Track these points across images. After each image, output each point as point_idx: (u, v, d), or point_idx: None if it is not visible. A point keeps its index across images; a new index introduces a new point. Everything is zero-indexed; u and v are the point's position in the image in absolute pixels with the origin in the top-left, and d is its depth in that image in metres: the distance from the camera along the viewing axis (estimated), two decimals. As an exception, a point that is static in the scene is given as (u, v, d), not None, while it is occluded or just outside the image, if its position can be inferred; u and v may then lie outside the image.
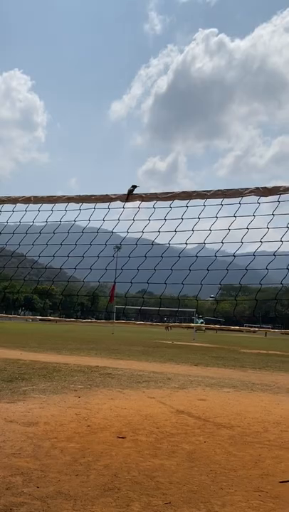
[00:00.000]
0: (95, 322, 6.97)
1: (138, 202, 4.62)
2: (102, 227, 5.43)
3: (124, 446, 4.43)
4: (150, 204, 4.61)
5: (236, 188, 4.29)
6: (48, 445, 4.34)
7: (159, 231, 4.96)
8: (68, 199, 4.78)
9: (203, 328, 58.35)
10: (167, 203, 4.49)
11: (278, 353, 21.40)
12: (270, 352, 21.57)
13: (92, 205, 4.87)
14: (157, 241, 5.27)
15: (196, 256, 5.05)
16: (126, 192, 4.61)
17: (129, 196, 4.57)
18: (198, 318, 59.89)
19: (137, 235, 5.21)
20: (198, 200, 4.34)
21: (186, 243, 4.50)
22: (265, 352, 21.32)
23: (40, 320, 69.26)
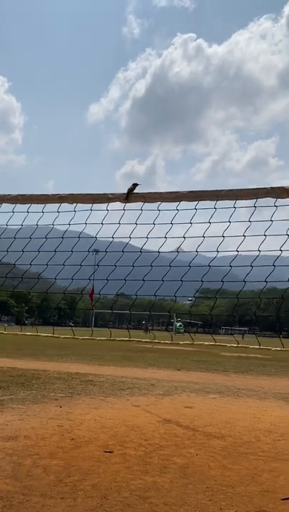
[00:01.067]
0: (91, 336, 6.67)
1: (140, 203, 4.24)
2: (84, 232, 5.14)
3: (112, 462, 4.12)
4: (148, 206, 4.26)
5: (250, 187, 3.96)
6: (29, 463, 3.99)
7: (147, 237, 4.70)
8: (61, 199, 4.38)
9: (182, 331, 58.38)
10: (167, 205, 4.15)
11: (258, 356, 21.38)
12: (250, 355, 21.52)
13: (71, 206, 4.53)
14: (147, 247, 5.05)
15: (190, 266, 4.78)
16: (125, 191, 4.23)
17: (129, 196, 4.20)
18: (177, 321, 59.93)
19: (125, 240, 4.96)
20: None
21: (196, 251, 4.21)
22: (245, 355, 21.26)
23: (17, 325, 67.94)
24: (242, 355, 21.45)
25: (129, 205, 4.54)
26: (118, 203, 4.18)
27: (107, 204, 4.27)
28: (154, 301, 5.17)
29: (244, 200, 3.84)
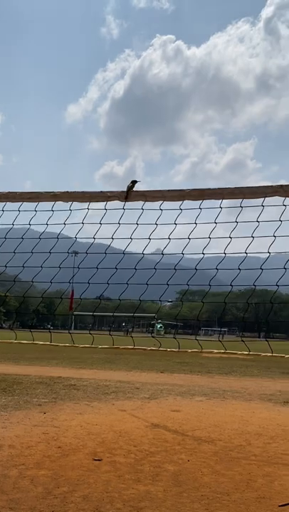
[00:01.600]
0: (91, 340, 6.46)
1: (140, 202, 4.04)
2: (62, 233, 4.97)
3: (102, 471, 3.96)
4: (148, 205, 4.05)
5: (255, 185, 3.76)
6: (15, 474, 3.80)
7: (131, 238, 4.55)
8: (54, 197, 4.13)
9: (162, 333, 58.39)
10: (154, 204, 3.98)
11: (239, 356, 21.43)
12: (231, 356, 21.56)
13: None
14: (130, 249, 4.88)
15: (175, 269, 4.66)
16: (125, 189, 4.01)
17: (129, 194, 4.00)
18: (158, 322, 59.90)
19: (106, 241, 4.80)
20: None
21: (182, 253, 4.08)
22: (226, 356, 21.28)
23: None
24: (224, 356, 21.44)
25: (111, 204, 4.36)
26: (116, 201, 3.98)
27: (105, 203, 4.06)
28: (139, 303, 5.03)
29: (250, 199, 3.69)
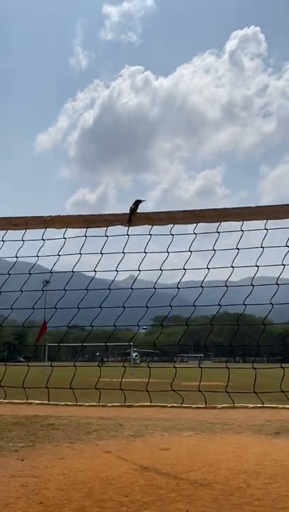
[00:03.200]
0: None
1: (147, 226, 3.54)
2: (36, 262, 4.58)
3: (92, 531, 3.49)
4: (146, 229, 3.62)
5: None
6: None
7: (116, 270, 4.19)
8: (45, 222, 3.62)
9: (138, 362, 57.41)
10: (164, 228, 3.54)
11: (220, 383, 21.02)
12: (212, 383, 21.13)
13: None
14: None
15: (171, 306, 4.33)
16: (128, 211, 3.54)
17: (133, 217, 3.58)
18: (133, 351, 58.85)
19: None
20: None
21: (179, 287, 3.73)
22: (207, 383, 20.84)
23: None
24: (205, 383, 20.99)
25: (92, 231, 4.00)
26: (119, 226, 3.55)
27: (105, 229, 3.61)
28: (113, 331, 4.65)
29: (269, 221, 3.35)
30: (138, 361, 57.76)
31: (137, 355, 59.49)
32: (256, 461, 5.71)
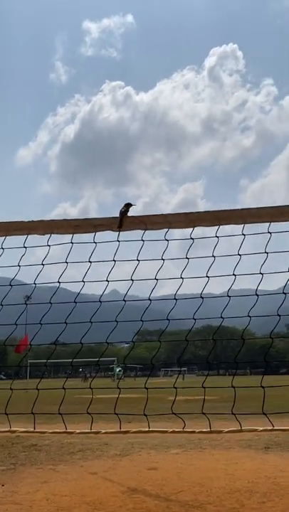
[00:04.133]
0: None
1: (139, 231, 3.32)
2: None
3: None
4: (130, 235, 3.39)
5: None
6: None
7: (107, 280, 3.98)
8: (28, 229, 3.36)
9: (122, 377, 56.75)
10: (158, 233, 3.33)
11: (206, 397, 20.77)
12: (196, 397, 20.86)
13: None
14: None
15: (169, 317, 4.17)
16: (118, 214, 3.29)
17: (123, 221, 3.36)
18: (117, 366, 58.18)
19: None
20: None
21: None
22: (192, 398, 20.56)
23: None
24: (189, 398, 20.72)
25: (78, 238, 3.78)
26: (108, 231, 3.34)
27: (93, 234, 3.40)
28: (105, 346, 4.43)
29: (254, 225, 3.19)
30: (121, 376, 57.07)
31: (120, 370, 58.76)
32: (248, 479, 5.50)
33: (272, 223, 3.17)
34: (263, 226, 3.67)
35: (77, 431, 3.65)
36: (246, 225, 3.30)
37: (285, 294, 3.62)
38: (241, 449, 7.47)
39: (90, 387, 4.50)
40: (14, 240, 3.44)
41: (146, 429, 3.48)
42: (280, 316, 3.55)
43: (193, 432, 3.51)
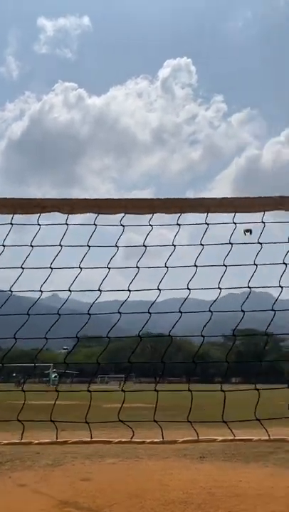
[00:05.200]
0: None
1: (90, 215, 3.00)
2: None
3: None
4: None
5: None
6: None
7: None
8: None
9: (56, 383, 55.46)
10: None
11: (142, 405, 20.68)
12: (133, 405, 20.71)
13: None
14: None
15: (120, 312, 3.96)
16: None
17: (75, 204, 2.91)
18: (52, 372, 56.86)
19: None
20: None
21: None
22: (128, 406, 20.39)
23: None
24: (126, 405, 20.52)
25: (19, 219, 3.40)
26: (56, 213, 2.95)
27: (38, 215, 3.02)
28: (39, 350, 4.08)
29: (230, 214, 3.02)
30: (56, 382, 55.78)
31: (56, 376, 57.44)
32: (183, 490, 5.41)
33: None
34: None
35: (4, 441, 3.22)
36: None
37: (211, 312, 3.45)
38: (177, 459, 7.40)
39: (23, 390, 4.17)
40: None
41: (88, 439, 3.12)
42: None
43: (143, 442, 3.18)
